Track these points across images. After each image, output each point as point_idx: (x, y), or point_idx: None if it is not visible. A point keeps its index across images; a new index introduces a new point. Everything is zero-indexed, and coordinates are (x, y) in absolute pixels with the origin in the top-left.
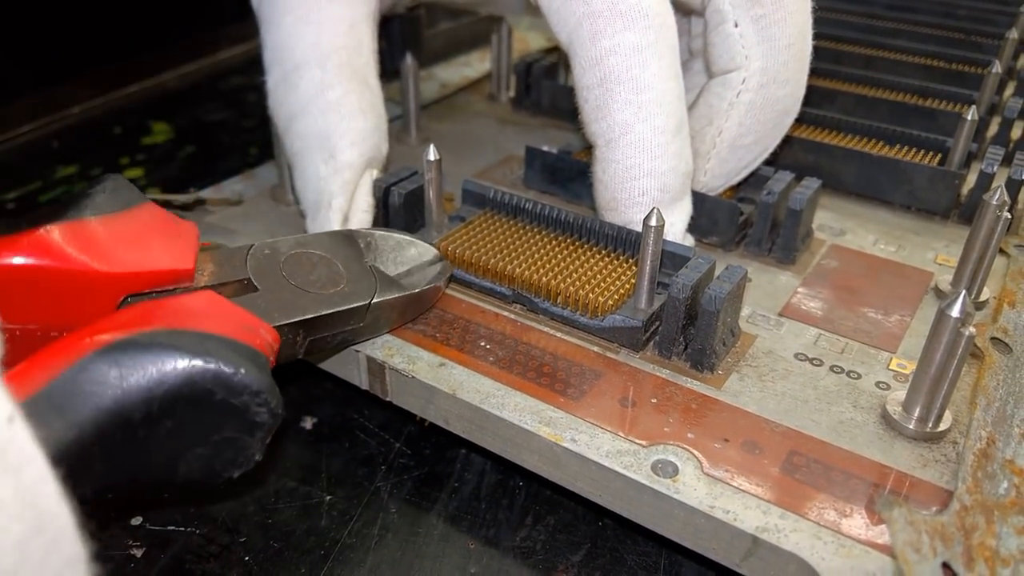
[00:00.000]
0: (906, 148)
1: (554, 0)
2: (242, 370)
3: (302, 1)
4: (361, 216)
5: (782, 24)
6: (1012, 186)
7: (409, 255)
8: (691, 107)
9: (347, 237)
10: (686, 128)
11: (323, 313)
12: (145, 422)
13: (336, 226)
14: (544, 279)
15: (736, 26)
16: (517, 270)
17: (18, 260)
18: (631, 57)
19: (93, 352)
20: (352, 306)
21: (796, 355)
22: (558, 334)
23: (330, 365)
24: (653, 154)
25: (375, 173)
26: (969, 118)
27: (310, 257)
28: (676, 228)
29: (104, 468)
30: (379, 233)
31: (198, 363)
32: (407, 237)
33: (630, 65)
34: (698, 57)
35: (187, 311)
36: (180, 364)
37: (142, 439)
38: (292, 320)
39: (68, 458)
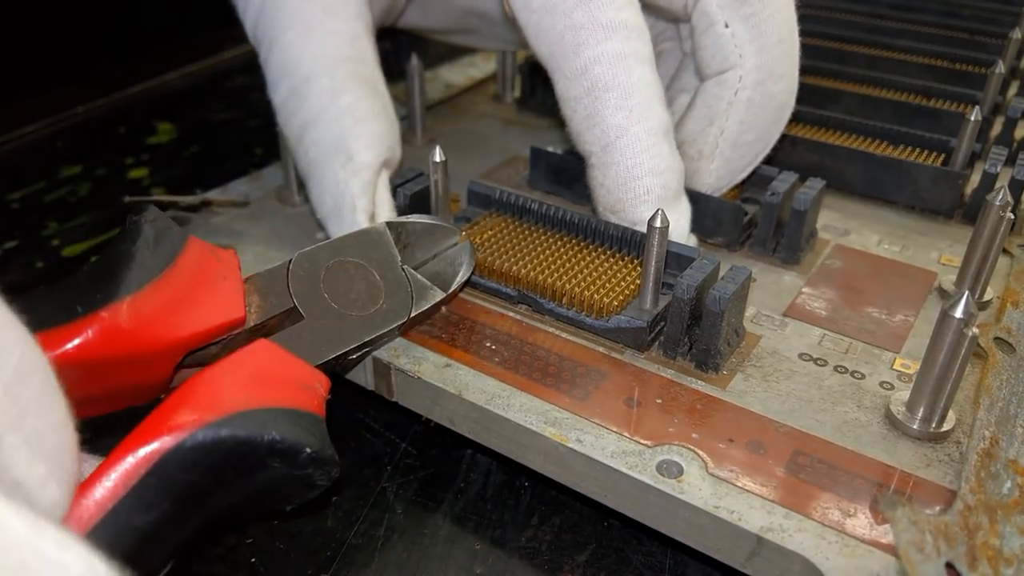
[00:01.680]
0: (910, 148)
1: (533, 15)
2: (307, 449)
3: (301, 18)
4: (385, 215)
5: (771, 20)
6: (1016, 186)
7: (435, 239)
8: (688, 108)
9: (379, 234)
10: (672, 130)
11: (366, 340)
12: (218, 499)
13: (365, 226)
14: (549, 280)
15: (727, 26)
16: (522, 271)
17: (78, 345)
18: (616, 65)
19: (163, 456)
20: (393, 326)
21: (800, 355)
22: (563, 335)
23: None
24: (651, 153)
25: (389, 174)
26: (973, 118)
27: (347, 268)
28: (682, 225)
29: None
30: (409, 221)
31: (267, 446)
32: (433, 221)
33: (616, 72)
34: (691, 57)
35: (249, 381)
36: (252, 451)
37: (213, 507)
38: (339, 353)
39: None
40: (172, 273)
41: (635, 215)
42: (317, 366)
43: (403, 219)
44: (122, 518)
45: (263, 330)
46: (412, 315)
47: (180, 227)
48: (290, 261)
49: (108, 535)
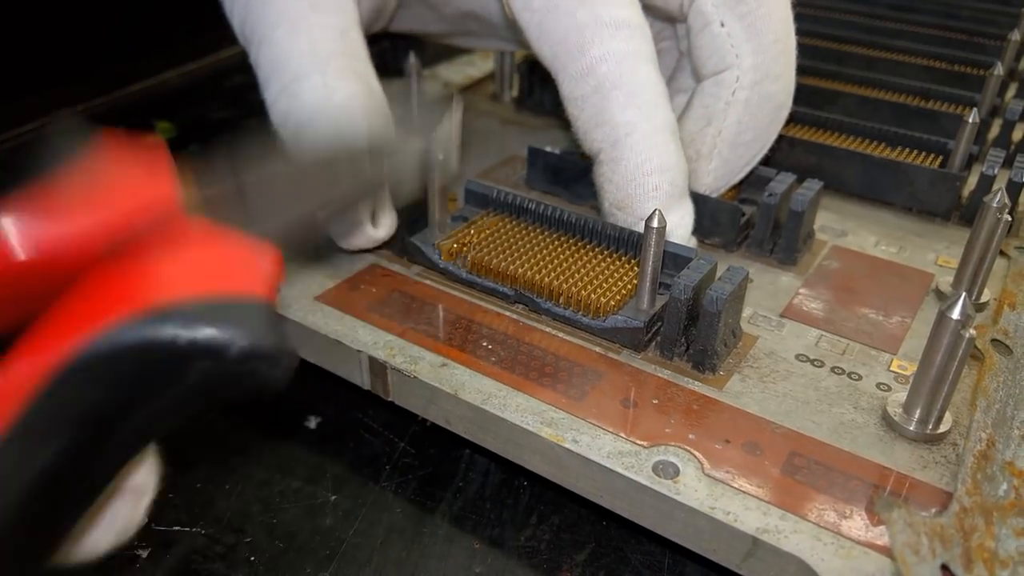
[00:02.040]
0: (907, 150)
1: (535, 15)
2: (238, 344)
3: (287, 15)
4: (389, 214)
5: (767, 19)
6: (1013, 188)
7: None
8: (686, 109)
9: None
10: (677, 129)
11: (333, 195)
12: (138, 414)
13: (368, 227)
14: (546, 279)
15: (723, 26)
16: (519, 270)
17: None
18: (622, 63)
19: (58, 373)
20: (365, 177)
21: (797, 356)
22: (560, 334)
23: (331, 364)
24: (660, 150)
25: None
26: (970, 120)
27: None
28: (685, 224)
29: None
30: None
31: (187, 347)
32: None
33: (622, 71)
34: (685, 66)
35: (161, 269)
36: (172, 356)
37: (136, 425)
38: (296, 215)
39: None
40: (81, 166)
41: (642, 211)
42: (267, 236)
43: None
44: (18, 454)
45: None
46: (385, 168)
47: (95, 128)
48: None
49: (4, 478)
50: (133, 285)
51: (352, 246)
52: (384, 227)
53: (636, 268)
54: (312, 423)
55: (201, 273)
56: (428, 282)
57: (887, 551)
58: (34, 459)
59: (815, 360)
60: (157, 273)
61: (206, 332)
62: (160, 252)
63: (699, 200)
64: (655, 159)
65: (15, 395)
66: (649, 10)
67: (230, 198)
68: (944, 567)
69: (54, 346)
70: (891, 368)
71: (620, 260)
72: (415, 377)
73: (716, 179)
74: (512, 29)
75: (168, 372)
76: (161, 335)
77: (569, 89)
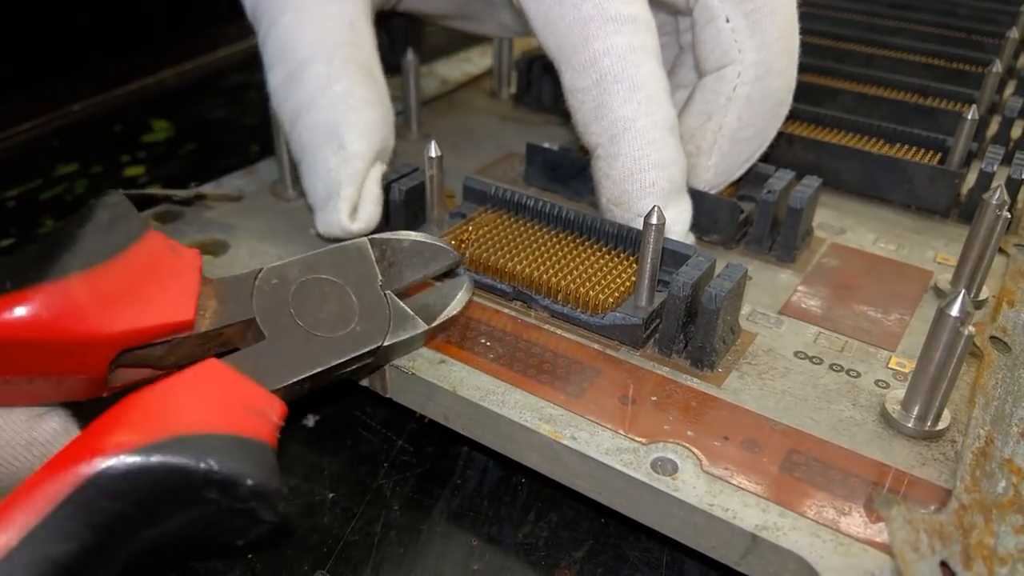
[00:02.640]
0: (906, 147)
1: (541, 5)
2: (248, 481)
3: (298, 1)
4: (369, 208)
5: (772, 16)
6: (1012, 185)
7: (425, 259)
8: (687, 104)
9: (359, 251)
10: (677, 125)
11: (333, 364)
12: (148, 532)
13: (344, 216)
14: (545, 276)
15: (728, 21)
16: (518, 267)
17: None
18: (625, 58)
19: (86, 480)
20: (363, 351)
21: (796, 353)
22: (558, 331)
23: None
24: (658, 146)
25: (383, 167)
26: (969, 117)
27: (321, 285)
28: (683, 220)
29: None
30: (395, 238)
31: (203, 476)
32: (421, 238)
33: (625, 65)
34: (689, 52)
35: (191, 403)
36: (187, 481)
37: (143, 540)
38: (301, 377)
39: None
40: (119, 261)
41: (639, 207)
42: (275, 390)
43: (388, 235)
44: (38, 547)
45: (218, 340)
46: (386, 343)
47: (140, 216)
48: (258, 271)
49: (22, 565)
50: (161, 411)
51: (326, 233)
52: (361, 221)
53: (635, 265)
54: (310, 421)
55: (222, 413)
56: None
57: (886, 548)
58: (49, 554)
59: (814, 357)
60: (183, 404)
61: (225, 464)
62: (188, 387)
63: (698, 197)
64: (653, 155)
65: (44, 499)
66: (654, 4)
67: (247, 344)
68: (943, 564)
69: (87, 456)
70: (889, 365)
71: (619, 257)
72: (413, 374)
73: (716, 175)
74: (516, 15)
75: (181, 495)
76: (182, 462)
77: (571, 80)
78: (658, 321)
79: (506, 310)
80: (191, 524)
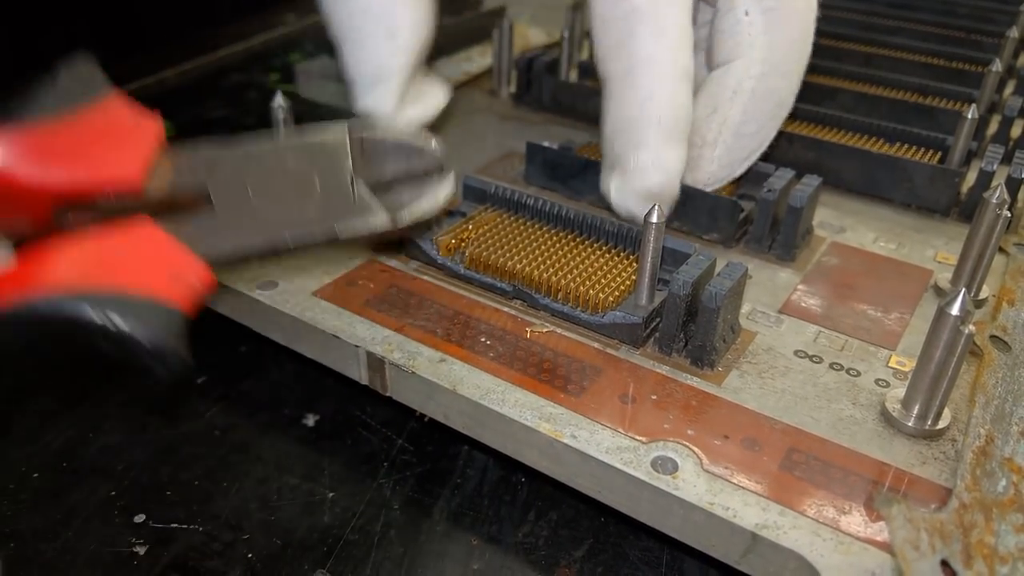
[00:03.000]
0: (906, 146)
1: None
2: (146, 344)
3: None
4: (411, 111)
5: (789, 19)
6: (1012, 184)
7: (407, 156)
8: (695, 98)
9: (336, 140)
10: (692, 77)
11: (276, 241)
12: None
13: (390, 107)
14: (545, 275)
15: (747, 14)
16: (518, 266)
17: None
18: (659, 0)
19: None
20: (313, 231)
21: (796, 352)
22: (558, 330)
23: (329, 360)
24: (671, 87)
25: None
26: (969, 116)
27: (286, 167)
28: (677, 170)
29: None
30: (377, 134)
31: (100, 331)
32: (407, 140)
33: (657, 6)
34: (700, 50)
35: (106, 259)
36: (77, 333)
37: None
38: (239, 249)
39: None
40: (74, 119)
41: (641, 137)
42: (213, 260)
43: (373, 131)
44: None
45: (169, 207)
46: (340, 228)
47: (106, 81)
48: (224, 150)
49: None
50: (71, 264)
51: (368, 113)
52: (405, 116)
53: (635, 264)
54: (310, 420)
55: (138, 271)
56: (426, 278)
57: (887, 547)
58: None
59: (813, 356)
60: (104, 260)
61: (125, 323)
62: (114, 242)
63: (698, 196)
64: (666, 94)
65: None
66: None
67: (197, 203)
68: (944, 563)
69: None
70: (890, 364)
71: (619, 256)
72: (413, 372)
73: (720, 167)
74: None
75: (77, 344)
76: (78, 314)
77: (602, 8)
78: (658, 320)
79: (506, 309)
80: (77, 357)
